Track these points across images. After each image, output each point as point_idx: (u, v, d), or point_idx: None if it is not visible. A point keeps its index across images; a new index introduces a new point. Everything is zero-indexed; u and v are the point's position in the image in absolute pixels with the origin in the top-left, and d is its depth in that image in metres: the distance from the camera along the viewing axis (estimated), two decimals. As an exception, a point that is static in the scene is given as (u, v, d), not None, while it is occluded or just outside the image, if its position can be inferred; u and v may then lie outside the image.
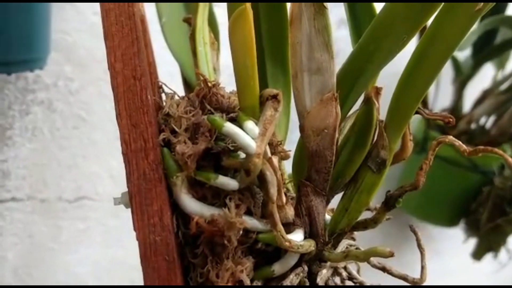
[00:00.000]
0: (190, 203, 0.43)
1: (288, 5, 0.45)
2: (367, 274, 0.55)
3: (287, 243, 0.41)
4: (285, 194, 0.45)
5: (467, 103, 1.46)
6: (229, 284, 0.41)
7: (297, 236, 0.44)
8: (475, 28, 1.27)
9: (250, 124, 0.41)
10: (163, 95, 0.52)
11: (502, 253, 1.46)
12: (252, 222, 0.43)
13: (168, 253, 0.41)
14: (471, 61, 1.42)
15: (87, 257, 1.17)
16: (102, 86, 1.09)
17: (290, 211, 0.45)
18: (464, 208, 1.45)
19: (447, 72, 1.44)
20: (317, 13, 0.42)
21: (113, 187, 1.15)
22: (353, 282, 0.52)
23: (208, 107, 0.45)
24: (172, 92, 0.50)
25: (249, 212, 0.44)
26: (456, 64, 1.42)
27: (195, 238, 0.44)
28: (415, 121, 1.45)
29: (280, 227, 0.41)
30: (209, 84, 0.45)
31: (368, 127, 0.46)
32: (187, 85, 0.64)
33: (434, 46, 0.42)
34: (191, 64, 0.61)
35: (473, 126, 1.45)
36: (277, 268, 0.45)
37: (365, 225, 0.48)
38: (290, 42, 0.44)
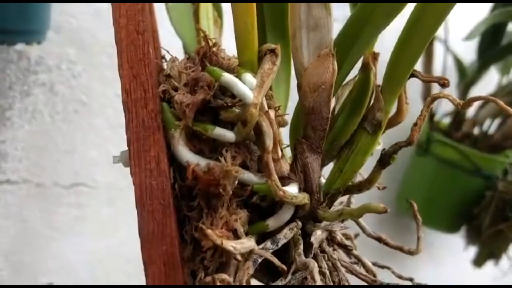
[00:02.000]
0: (187, 155, 0.45)
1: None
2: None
3: (281, 193, 0.44)
4: (281, 150, 0.47)
5: (471, 108, 1.47)
6: (223, 230, 0.43)
7: (291, 189, 0.47)
8: (484, 18, 1.30)
9: (248, 76, 0.44)
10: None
11: (503, 260, 1.48)
12: (247, 175, 0.46)
13: (163, 197, 0.43)
14: (476, 65, 1.44)
15: (81, 246, 1.17)
16: (105, 71, 1.11)
17: (285, 166, 0.47)
18: (465, 213, 1.47)
19: (451, 76, 1.45)
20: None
21: (110, 174, 1.16)
22: (347, 251, 0.54)
23: (208, 65, 0.48)
24: (173, 57, 0.52)
25: (245, 167, 0.47)
26: (461, 67, 1.45)
27: (191, 191, 0.46)
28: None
29: (275, 176, 0.43)
30: (210, 42, 0.48)
31: (365, 91, 0.49)
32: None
33: (426, 13, 0.45)
34: (194, 41, 0.63)
35: (477, 131, 1.47)
36: (272, 222, 0.47)
37: (359, 187, 0.51)
38: (290, 5, 0.46)
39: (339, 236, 0.52)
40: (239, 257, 0.41)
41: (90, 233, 1.18)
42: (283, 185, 0.46)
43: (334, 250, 0.51)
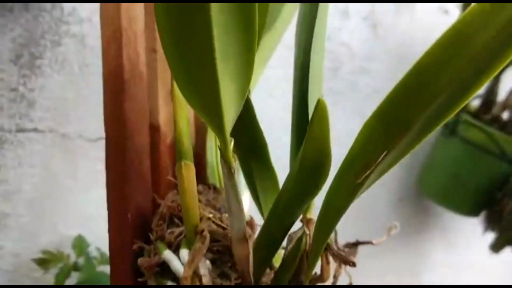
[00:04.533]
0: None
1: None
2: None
3: None
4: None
5: (503, 91, 1.55)
6: None
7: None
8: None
9: (184, 252, 0.63)
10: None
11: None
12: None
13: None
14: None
15: (102, 199, 1.23)
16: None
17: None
18: (488, 198, 1.55)
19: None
20: (229, 175, 0.59)
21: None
22: None
23: (177, 221, 0.67)
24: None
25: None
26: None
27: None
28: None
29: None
30: (178, 208, 0.67)
31: (297, 252, 0.65)
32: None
33: (327, 212, 0.60)
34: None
35: (507, 114, 1.54)
36: None
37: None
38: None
39: None
40: None
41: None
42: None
43: None
